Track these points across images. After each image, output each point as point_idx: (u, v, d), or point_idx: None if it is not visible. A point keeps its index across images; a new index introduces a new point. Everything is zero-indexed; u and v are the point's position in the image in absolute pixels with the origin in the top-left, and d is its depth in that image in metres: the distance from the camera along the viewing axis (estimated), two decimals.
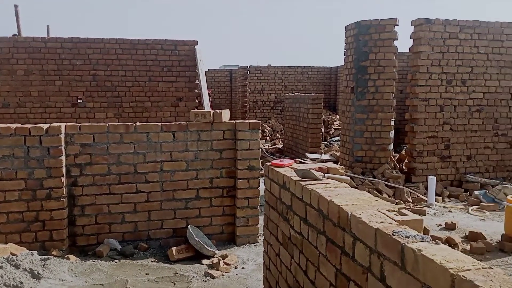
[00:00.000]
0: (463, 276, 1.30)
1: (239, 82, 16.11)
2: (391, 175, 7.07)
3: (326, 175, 2.91)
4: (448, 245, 4.90)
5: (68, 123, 4.66)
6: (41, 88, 8.30)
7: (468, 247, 4.82)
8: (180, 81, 8.74)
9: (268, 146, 12.43)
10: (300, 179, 2.88)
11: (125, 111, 8.64)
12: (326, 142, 12.07)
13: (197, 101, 8.84)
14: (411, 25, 7.14)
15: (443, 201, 6.91)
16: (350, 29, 7.51)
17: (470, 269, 1.35)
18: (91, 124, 4.71)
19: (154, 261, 4.59)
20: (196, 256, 4.63)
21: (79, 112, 8.53)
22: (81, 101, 8.51)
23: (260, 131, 4.95)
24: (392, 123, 7.38)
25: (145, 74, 8.61)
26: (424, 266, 1.48)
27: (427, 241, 1.63)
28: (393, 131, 10.48)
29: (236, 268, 4.43)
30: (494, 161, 7.52)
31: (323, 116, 14.25)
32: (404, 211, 2.05)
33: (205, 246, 4.59)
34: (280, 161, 3.52)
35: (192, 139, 4.88)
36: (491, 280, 1.27)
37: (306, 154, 9.04)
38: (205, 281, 4.12)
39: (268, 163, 3.58)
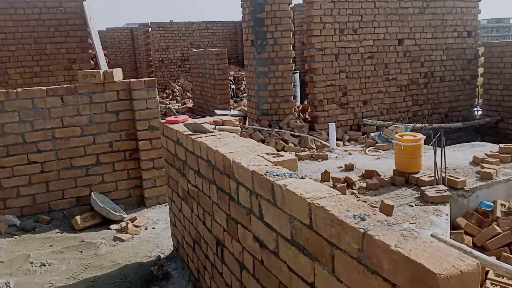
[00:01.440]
0: (316, 203, 1.40)
1: (142, 40, 15.37)
2: (296, 125, 7.36)
3: (217, 127, 2.93)
4: (347, 184, 5.30)
5: None
6: None
7: (364, 184, 5.24)
8: (71, 41, 8.09)
9: (178, 106, 12.20)
10: (192, 133, 2.88)
11: (12, 78, 7.86)
12: (238, 98, 12.14)
13: (92, 62, 8.31)
14: None
15: (344, 145, 7.38)
16: None
17: (324, 197, 1.46)
18: None
19: (58, 232, 4.41)
20: (104, 223, 4.52)
21: None
22: None
23: (156, 88, 4.81)
24: (293, 74, 7.58)
25: (29, 36, 7.83)
26: (289, 199, 1.57)
27: (294, 177, 1.73)
28: (298, 83, 10.87)
29: (146, 229, 4.41)
30: (387, 104, 8.12)
31: (233, 72, 14.25)
32: (281, 153, 2.15)
33: (111, 211, 4.48)
34: (175, 117, 3.48)
35: (83, 102, 4.62)
36: (341, 204, 1.39)
37: (215, 111, 9.04)
38: (114, 245, 4.06)
39: (163, 121, 3.52)
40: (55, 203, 4.70)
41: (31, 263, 3.72)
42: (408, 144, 5.20)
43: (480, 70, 8.83)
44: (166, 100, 13.60)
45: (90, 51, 8.33)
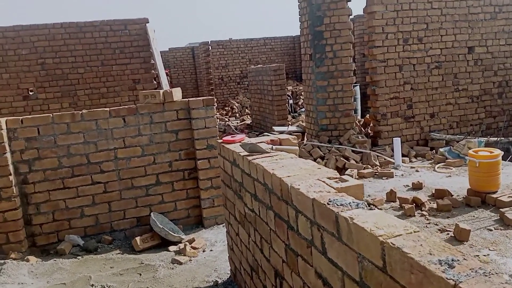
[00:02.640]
0: (391, 243, 1.20)
1: (202, 59, 15.73)
2: (357, 141, 7.05)
3: (274, 147, 2.79)
4: (415, 205, 4.93)
5: (9, 117, 4.38)
6: None
7: (435, 205, 4.84)
8: (135, 62, 8.40)
9: (237, 123, 12.26)
10: (248, 154, 2.76)
11: (81, 100, 8.29)
12: (295, 114, 11.98)
13: (155, 82, 8.55)
14: None
15: (410, 161, 6.94)
16: None
17: (400, 234, 1.25)
18: (33, 116, 4.45)
19: (119, 253, 4.44)
20: (163, 244, 4.51)
21: (31, 104, 8.13)
22: (33, 93, 8.10)
23: (214, 107, 4.77)
24: (353, 87, 7.30)
25: (97, 58, 8.23)
26: (357, 234, 1.38)
27: (362, 207, 1.53)
28: (359, 97, 10.51)
29: (204, 251, 4.33)
30: (457, 117, 7.57)
31: (291, 87, 14.14)
32: (345, 177, 1.95)
33: (170, 232, 4.46)
34: (231, 137, 3.38)
35: (144, 122, 4.68)
36: (421, 244, 1.17)
37: (273, 127, 8.93)
38: (172, 268, 4.00)
39: (219, 140, 3.44)
40: (117, 223, 4.76)
41: (92, 285, 3.75)
42: (484, 161, 4.74)
43: None
44: (225, 117, 13.75)
45: (153, 71, 8.59)
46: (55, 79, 8.17)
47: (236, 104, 15.09)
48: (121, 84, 8.45)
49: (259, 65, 12.46)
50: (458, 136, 7.27)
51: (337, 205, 1.58)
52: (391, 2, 6.83)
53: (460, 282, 0.97)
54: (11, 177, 4.27)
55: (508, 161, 6.49)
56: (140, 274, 3.93)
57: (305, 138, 8.02)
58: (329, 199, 1.64)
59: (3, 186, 4.24)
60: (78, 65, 8.21)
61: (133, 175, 4.74)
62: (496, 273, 1.00)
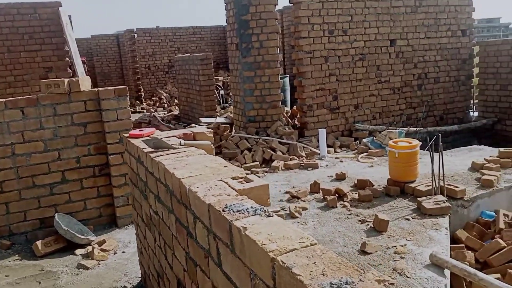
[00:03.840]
0: (281, 261, 0.99)
1: (128, 47, 14.93)
2: (284, 132, 6.96)
3: (183, 142, 2.52)
4: (338, 196, 4.90)
5: None
6: None
7: (356, 196, 4.85)
8: (46, 49, 7.66)
9: (164, 114, 11.76)
10: (153, 150, 2.47)
11: None
12: (226, 104, 11.72)
13: (70, 70, 7.87)
14: None
15: (335, 151, 6.98)
16: None
17: (294, 249, 1.06)
18: None
19: (17, 259, 3.96)
20: (70, 247, 4.09)
21: None
22: None
23: (127, 98, 4.39)
24: (282, 79, 7.19)
25: (3, 44, 7.39)
26: (249, 248, 1.17)
27: (260, 214, 1.32)
28: (288, 88, 10.48)
29: (115, 253, 3.98)
30: (380, 108, 7.75)
31: (222, 78, 13.84)
32: (250, 176, 1.74)
33: (76, 234, 4.05)
34: (139, 130, 3.07)
35: (46, 114, 4.19)
36: (315, 262, 0.98)
37: (200, 118, 8.62)
38: (77, 274, 3.62)
39: (126, 134, 3.11)
40: (17, 226, 4.26)
41: None
42: (403, 151, 4.81)
43: (476, 70, 8.49)
44: (152, 108, 13.17)
45: (67, 58, 7.89)
46: None
47: (164, 94, 14.52)
48: (30, 73, 7.67)
49: (186, 54, 12.01)
50: (380, 126, 7.44)
51: (233, 211, 1.36)
52: None
53: None
54: None
55: (426, 150, 6.75)
56: (40, 283, 3.52)
57: (233, 130, 7.80)
58: (226, 204, 1.41)
59: None
60: None
61: (34, 172, 4.24)
62: None
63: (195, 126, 8.88)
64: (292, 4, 7.01)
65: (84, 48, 17.04)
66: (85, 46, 17.01)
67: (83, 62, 8.41)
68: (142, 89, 15.47)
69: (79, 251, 4.00)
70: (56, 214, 4.18)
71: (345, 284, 0.88)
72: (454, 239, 4.52)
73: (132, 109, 14.27)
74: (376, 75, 7.54)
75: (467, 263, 3.74)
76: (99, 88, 4.38)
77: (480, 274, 3.18)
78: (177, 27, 15.86)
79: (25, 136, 4.15)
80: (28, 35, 7.55)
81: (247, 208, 1.37)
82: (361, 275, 0.91)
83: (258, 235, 1.16)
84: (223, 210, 1.38)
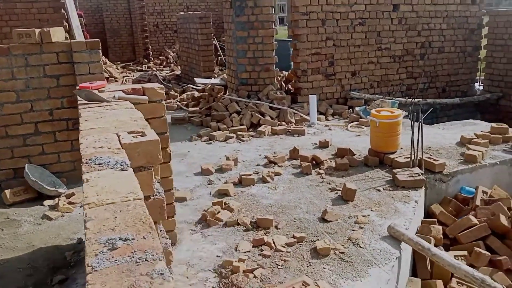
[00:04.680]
0: (87, 214, 0.93)
1: (136, 3, 14.69)
2: (275, 97, 6.81)
3: (117, 95, 2.45)
4: (316, 163, 4.82)
5: None
6: None
7: (334, 164, 4.76)
8: (42, 0, 7.56)
9: (166, 73, 11.66)
10: (86, 102, 2.41)
11: None
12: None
13: (66, 24, 7.77)
14: None
15: (326, 119, 6.84)
16: None
17: (113, 202, 1.02)
18: None
19: None
20: (40, 198, 4.14)
21: None
22: None
23: (99, 51, 4.30)
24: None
25: None
26: (86, 196, 1.10)
27: (116, 168, 1.25)
28: (291, 52, 10.17)
29: (81, 207, 4.02)
30: (378, 76, 7.49)
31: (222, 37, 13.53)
32: (148, 131, 1.67)
33: (44, 185, 4.09)
34: (90, 83, 3.01)
35: (18, 64, 4.15)
36: (116, 217, 0.93)
37: (195, 79, 8.50)
38: (39, 224, 3.67)
39: (77, 87, 3.05)
40: None
41: None
42: (384, 121, 4.65)
43: (483, 41, 8.07)
44: (158, 67, 13.07)
45: (63, 11, 7.79)
46: None
47: (172, 54, 14.37)
48: (26, 24, 7.59)
49: (189, 12, 11.74)
50: (377, 96, 7.22)
51: (94, 164, 1.30)
52: None
53: (95, 270, 0.72)
54: None
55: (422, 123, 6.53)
56: (2, 229, 3.58)
57: (227, 92, 7.69)
58: (92, 157, 1.35)
59: None
60: None
61: (7, 123, 4.25)
62: (150, 261, 0.75)
63: (191, 86, 8.79)
64: None
65: (94, 3, 16.84)
66: (95, 1, 16.80)
67: (80, 16, 8.29)
68: (150, 48, 15.32)
69: (47, 202, 4.05)
70: (26, 165, 4.21)
71: (120, 240, 0.81)
72: (429, 214, 4.43)
73: (138, 67, 14.28)
74: (376, 42, 7.24)
75: (432, 238, 3.67)
76: (72, 41, 4.30)
77: (434, 249, 3.10)
78: None
79: None
80: None
81: (109, 162, 1.30)
82: (147, 234, 0.84)
83: (94, 187, 1.10)
84: (86, 163, 1.32)
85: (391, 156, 4.69)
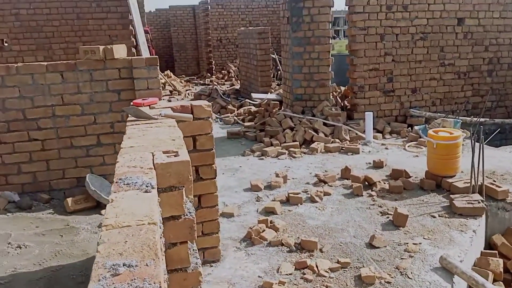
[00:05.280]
0: (102, 236, 0.96)
1: (201, 19, 15.24)
2: (330, 113, 6.72)
3: (163, 113, 2.54)
4: (368, 184, 4.67)
5: None
6: None
7: (387, 186, 4.59)
8: (112, 17, 8.07)
9: (227, 88, 11.93)
10: (134, 119, 2.53)
11: (56, 54, 8.05)
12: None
13: (133, 39, 8.24)
14: None
15: (384, 137, 6.62)
16: None
17: (128, 226, 1.02)
18: None
19: (50, 213, 4.32)
20: (99, 207, 4.38)
21: (6, 56, 7.91)
22: (7, 44, 7.89)
23: (157, 67, 4.49)
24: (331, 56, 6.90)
25: (72, 11, 7.93)
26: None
27: (140, 189, 1.30)
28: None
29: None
30: (441, 94, 7.15)
31: None
32: (181, 150, 1.71)
33: (102, 195, 4.31)
34: (142, 100, 3.14)
35: (84, 79, 4.45)
36: (126, 241, 0.96)
37: (251, 94, 8.61)
38: (95, 233, 3.87)
39: (132, 103, 3.20)
40: (56, 182, 4.63)
41: (9, 243, 3.64)
42: (441, 142, 4.42)
43: None
44: (216, 82, 13.41)
45: (131, 27, 8.26)
46: (30, 31, 7.91)
47: (233, 68, 14.70)
48: (97, 40, 8.15)
49: (250, 27, 11.97)
50: (439, 114, 6.88)
51: (123, 183, 1.36)
52: None
53: None
54: None
55: (486, 144, 6.12)
56: (62, 236, 3.82)
57: (282, 107, 7.71)
58: (123, 177, 1.41)
59: None
60: (53, 17, 7.93)
61: (72, 134, 4.55)
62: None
63: (248, 101, 8.91)
64: None
65: (163, 19, 17.71)
66: (163, 17, 17.66)
67: (146, 32, 8.74)
68: (213, 62, 15.78)
69: (104, 212, 4.26)
70: (88, 174, 4.48)
71: (124, 266, 0.84)
72: (490, 245, 4.11)
73: (202, 81, 14.76)
74: (439, 57, 6.93)
75: (490, 272, 3.39)
76: (132, 57, 4.54)
77: (489, 285, 2.86)
78: None
79: (64, 99, 4.45)
80: (96, 3, 8.00)
81: (136, 182, 1.35)
82: (154, 260, 0.86)
83: (115, 208, 1.15)
84: (116, 182, 1.37)
85: (449, 180, 4.43)
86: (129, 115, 2.55)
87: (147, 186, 1.31)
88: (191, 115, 2.69)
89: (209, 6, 15.25)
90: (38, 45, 7.99)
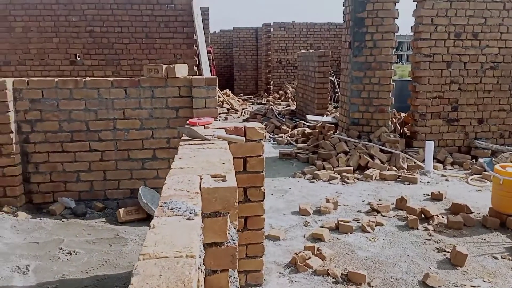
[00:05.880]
0: (137, 266, 0.95)
1: (263, 40, 15.49)
2: (388, 139, 6.50)
3: (216, 134, 2.56)
4: (425, 217, 4.42)
5: (16, 78, 4.54)
6: (39, 46, 8.30)
7: (446, 221, 4.32)
8: (178, 37, 8.41)
9: (282, 108, 11.96)
10: (188, 138, 2.57)
11: (123, 69, 8.50)
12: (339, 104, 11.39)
13: (196, 59, 8.51)
14: None
15: (444, 168, 6.28)
16: None
17: (165, 257, 1.01)
18: (39, 79, 4.57)
19: (102, 222, 4.47)
20: (148, 219, 4.48)
21: (78, 70, 8.48)
22: (79, 58, 8.45)
23: (216, 87, 4.58)
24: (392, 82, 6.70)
25: (142, 31, 8.36)
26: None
27: (184, 216, 1.29)
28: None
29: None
30: (510, 126, 6.69)
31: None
32: (228, 175, 1.70)
33: (153, 208, 4.41)
34: (198, 119, 3.20)
35: (145, 96, 4.62)
36: (161, 275, 0.93)
37: (307, 116, 8.55)
38: (141, 244, 3.95)
39: (187, 122, 3.27)
40: (111, 192, 4.81)
41: (61, 249, 3.80)
42: (508, 178, 4.10)
43: None
44: (274, 101, 13.48)
45: (195, 47, 8.55)
46: (101, 47, 8.43)
47: (291, 89, 14.74)
48: (163, 58, 8.52)
49: (310, 50, 11.97)
50: (507, 147, 6.44)
51: (167, 208, 1.36)
52: None
53: None
54: (13, 135, 4.44)
55: None
56: (111, 245, 3.92)
57: (337, 131, 7.57)
58: (168, 201, 1.41)
59: (4, 143, 4.42)
60: (123, 36, 8.40)
61: (130, 147, 4.73)
62: None
63: (303, 123, 8.85)
64: (414, 2, 6.44)
65: (226, 40, 18.22)
66: (227, 37, 18.18)
67: (209, 52, 9.00)
68: (272, 82, 15.93)
69: None
70: (141, 187, 4.61)
71: None
72: None
73: (258, 101, 14.94)
74: (509, 88, 6.51)
75: None
76: (192, 76, 4.66)
77: None
78: (312, 22, 15.88)
79: (125, 113, 4.65)
80: (164, 24, 8.38)
81: (180, 208, 1.34)
82: None
83: (155, 235, 1.14)
84: (161, 206, 1.38)
85: None
86: (183, 134, 2.59)
87: (190, 213, 1.30)
88: (243, 138, 2.69)
89: (272, 29, 15.49)
90: (107, 60, 8.47)
